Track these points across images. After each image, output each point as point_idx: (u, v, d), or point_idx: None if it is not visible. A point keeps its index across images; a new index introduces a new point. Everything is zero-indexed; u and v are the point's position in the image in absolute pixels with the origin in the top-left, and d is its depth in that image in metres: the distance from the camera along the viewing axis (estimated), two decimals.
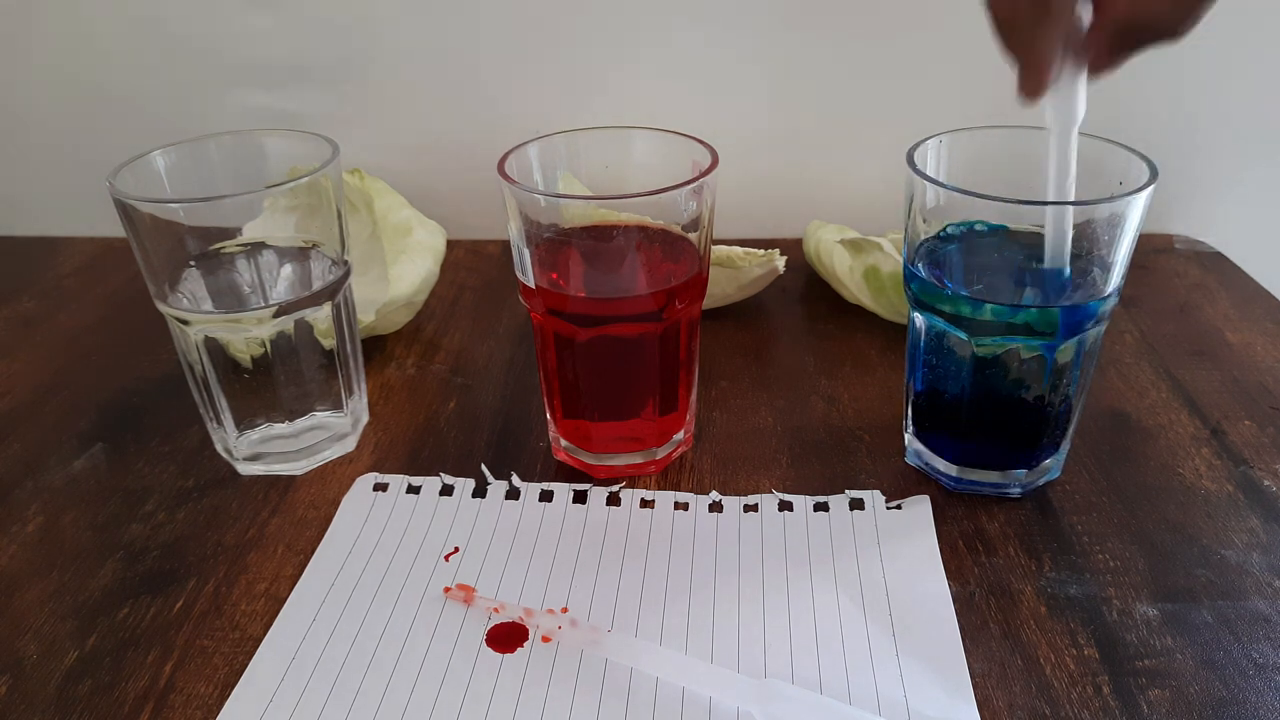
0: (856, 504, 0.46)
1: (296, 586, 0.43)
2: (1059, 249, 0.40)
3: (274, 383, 0.48)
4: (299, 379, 0.49)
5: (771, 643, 0.39)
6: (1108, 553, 0.44)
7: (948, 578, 0.42)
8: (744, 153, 0.66)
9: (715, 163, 0.44)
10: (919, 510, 0.46)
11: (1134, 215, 0.40)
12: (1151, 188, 0.40)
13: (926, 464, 0.48)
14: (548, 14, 0.68)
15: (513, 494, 0.48)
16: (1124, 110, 0.68)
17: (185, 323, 0.46)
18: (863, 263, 0.60)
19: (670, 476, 0.49)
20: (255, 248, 0.48)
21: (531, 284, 0.45)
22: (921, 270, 0.44)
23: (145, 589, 0.43)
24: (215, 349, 0.47)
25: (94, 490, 0.49)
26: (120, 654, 0.40)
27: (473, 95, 0.71)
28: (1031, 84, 0.38)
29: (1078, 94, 0.39)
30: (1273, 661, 0.38)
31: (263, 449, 0.50)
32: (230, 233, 0.47)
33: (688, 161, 0.45)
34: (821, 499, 0.47)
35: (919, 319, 0.46)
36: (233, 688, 0.38)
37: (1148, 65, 0.66)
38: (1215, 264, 0.69)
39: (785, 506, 0.46)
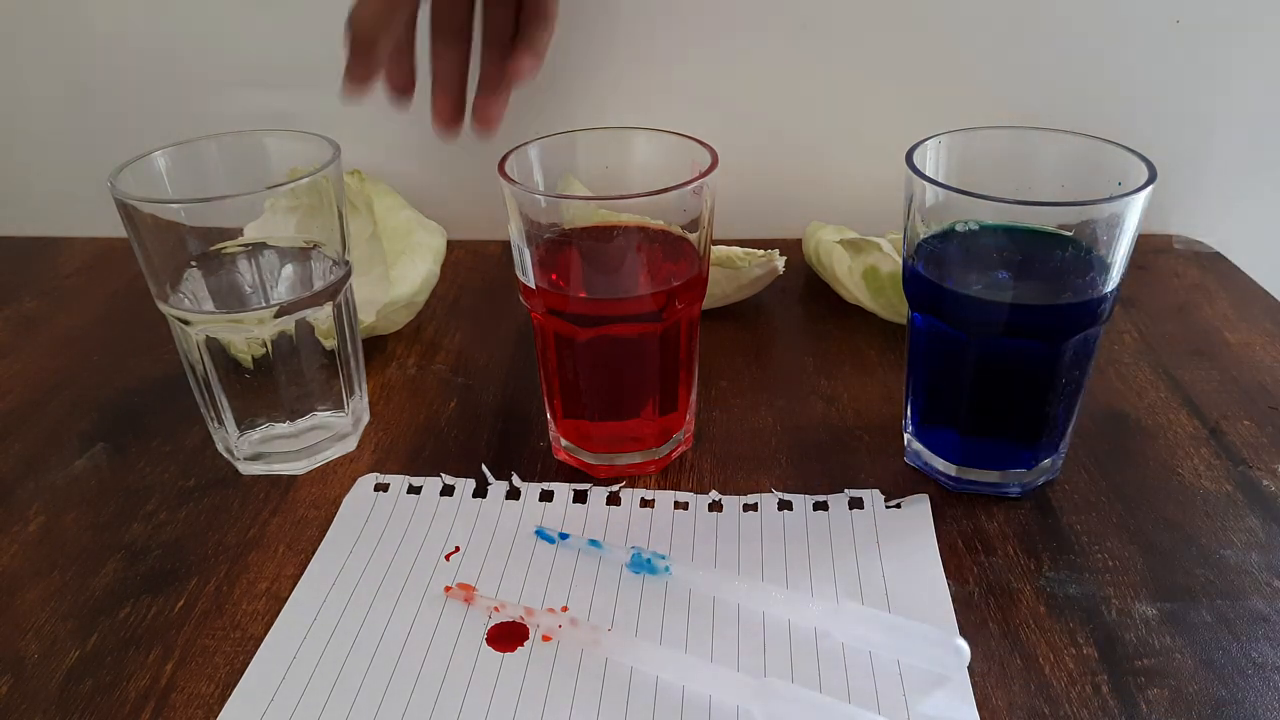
0: (856, 503, 0.46)
1: (297, 586, 0.43)
2: None
3: (275, 383, 0.48)
4: (300, 379, 0.49)
5: (771, 642, 0.39)
6: (1106, 552, 0.44)
7: (947, 577, 0.42)
8: (744, 153, 0.67)
9: (715, 163, 0.44)
10: (918, 509, 0.46)
11: (1133, 215, 0.40)
12: (1151, 188, 0.40)
13: (926, 463, 0.48)
14: None
15: (513, 494, 0.48)
16: (1124, 110, 0.69)
17: (186, 323, 0.46)
18: (862, 263, 0.60)
19: (670, 476, 0.49)
20: (256, 248, 0.48)
21: (532, 284, 0.45)
22: (921, 270, 0.44)
23: (146, 588, 0.43)
24: (216, 349, 0.47)
25: (95, 490, 0.49)
26: (121, 653, 0.40)
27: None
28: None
29: None
30: (1271, 661, 0.38)
31: (264, 449, 0.50)
32: (231, 233, 0.47)
33: (688, 162, 0.45)
34: (821, 498, 0.47)
35: (918, 319, 0.46)
36: (234, 687, 0.38)
37: (1148, 65, 0.67)
38: (1214, 264, 0.69)
39: (785, 506, 0.46)
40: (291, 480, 0.49)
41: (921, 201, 0.43)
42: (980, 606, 0.41)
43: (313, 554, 0.45)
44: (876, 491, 0.47)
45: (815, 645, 0.39)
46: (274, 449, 0.50)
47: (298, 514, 0.47)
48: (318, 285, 0.48)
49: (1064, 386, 0.44)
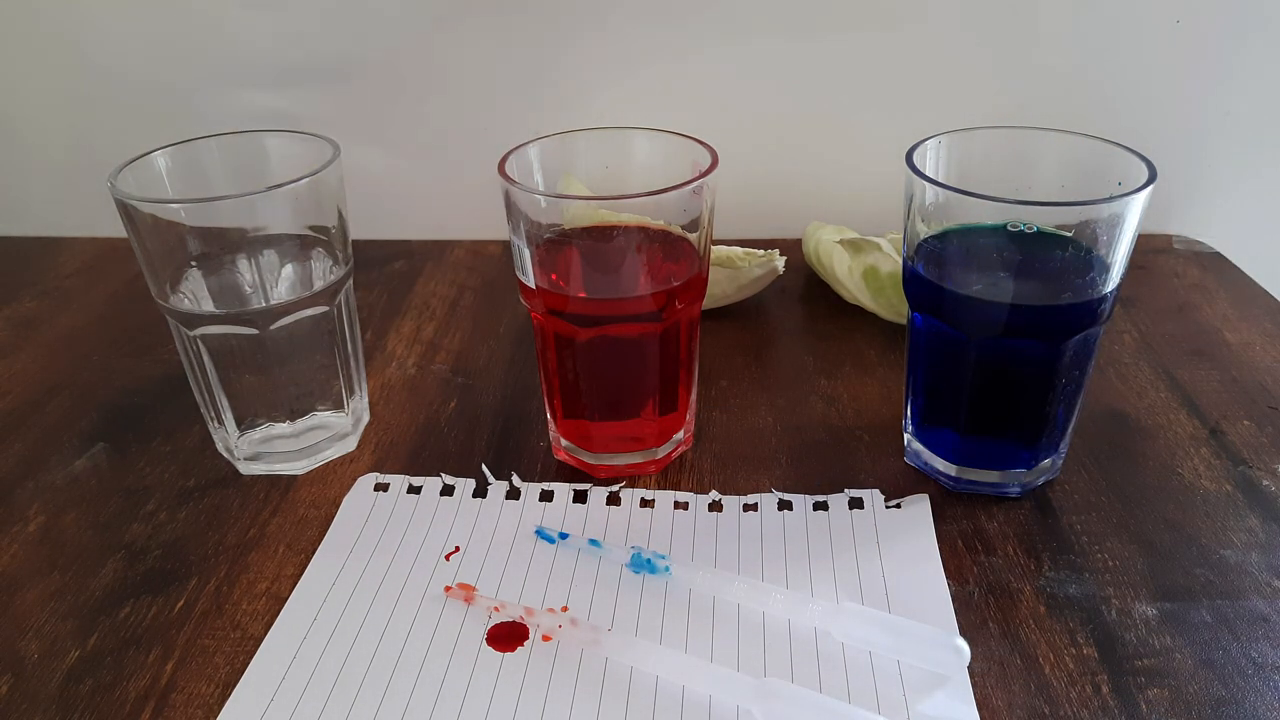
0: (856, 503, 0.46)
1: (297, 586, 0.43)
2: None
3: (275, 382, 0.48)
4: (300, 379, 0.49)
5: (771, 642, 0.39)
6: (1107, 552, 0.44)
7: (947, 577, 0.42)
8: (744, 153, 0.67)
9: (715, 163, 0.44)
10: (918, 509, 0.46)
11: (1133, 215, 0.40)
12: (1151, 188, 0.40)
13: (926, 463, 0.48)
14: (549, 14, 0.68)
15: (513, 494, 0.48)
16: (1124, 110, 0.69)
17: (186, 323, 0.46)
18: (862, 263, 0.60)
19: (670, 476, 0.49)
20: (256, 247, 0.48)
21: (532, 284, 0.45)
22: (921, 270, 0.44)
23: (146, 588, 0.43)
24: (216, 349, 0.47)
25: (95, 490, 0.49)
26: (121, 653, 0.40)
27: (473, 95, 0.71)
28: None
29: None
30: (1271, 661, 0.38)
31: (264, 449, 0.50)
32: (231, 233, 0.47)
33: (688, 162, 0.45)
34: (821, 498, 0.47)
35: (918, 319, 0.46)
36: (234, 687, 0.38)
37: (1148, 65, 0.67)
38: (1214, 264, 0.69)
39: (785, 506, 0.46)
40: (291, 480, 0.49)
41: (921, 201, 0.43)
42: (980, 606, 0.41)
43: (313, 554, 0.45)
44: (876, 491, 0.47)
45: (815, 645, 0.39)
46: (274, 449, 0.50)
47: (298, 514, 0.47)
48: (318, 285, 0.48)
49: (1064, 386, 0.44)
